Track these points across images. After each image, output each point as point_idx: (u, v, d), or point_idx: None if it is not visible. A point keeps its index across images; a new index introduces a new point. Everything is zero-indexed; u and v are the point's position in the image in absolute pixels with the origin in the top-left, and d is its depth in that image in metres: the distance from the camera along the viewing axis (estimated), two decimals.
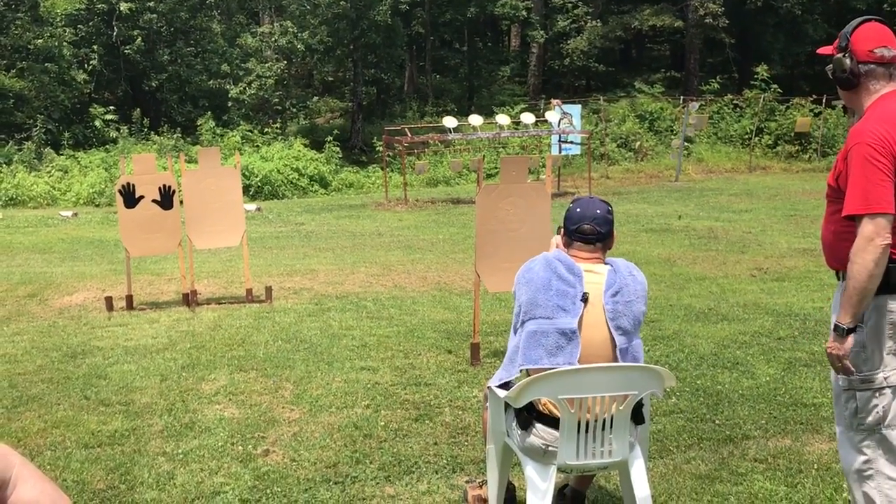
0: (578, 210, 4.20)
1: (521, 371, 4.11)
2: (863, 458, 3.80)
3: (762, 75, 32.62)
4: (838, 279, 3.88)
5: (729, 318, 9.15)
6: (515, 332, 4.16)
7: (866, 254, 3.54)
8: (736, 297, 10.20)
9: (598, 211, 4.19)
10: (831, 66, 3.86)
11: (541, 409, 4.00)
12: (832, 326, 3.68)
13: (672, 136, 31.47)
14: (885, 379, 3.72)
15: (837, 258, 3.80)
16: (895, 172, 3.58)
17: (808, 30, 39.38)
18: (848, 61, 3.76)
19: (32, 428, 6.26)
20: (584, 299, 3.96)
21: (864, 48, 3.76)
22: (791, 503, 4.82)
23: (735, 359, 7.62)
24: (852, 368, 3.70)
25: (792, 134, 30.87)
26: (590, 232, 4.13)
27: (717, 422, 6.11)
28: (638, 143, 31.86)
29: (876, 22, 3.83)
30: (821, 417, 6.17)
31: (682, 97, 33.33)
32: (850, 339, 3.63)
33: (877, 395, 3.73)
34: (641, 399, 4.00)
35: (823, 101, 30.18)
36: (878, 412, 3.74)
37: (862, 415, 3.76)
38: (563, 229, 4.24)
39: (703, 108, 31.08)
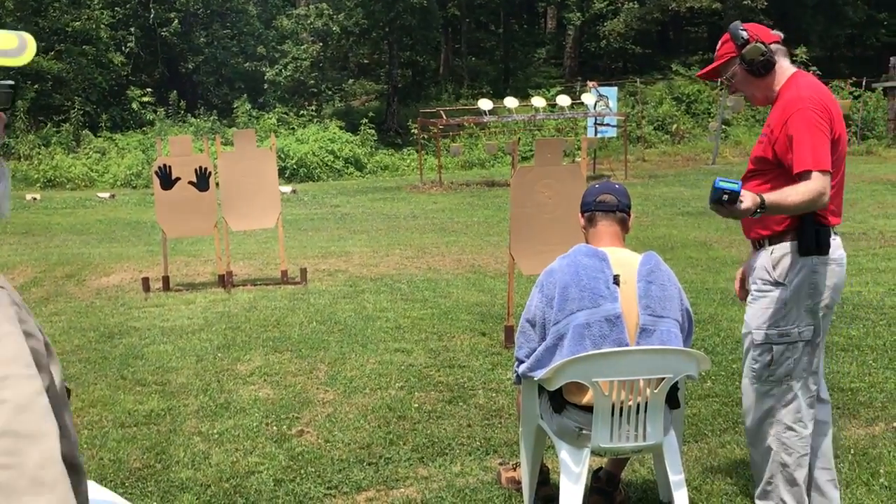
0: (597, 186, 4.27)
1: None
2: (765, 407, 4.08)
3: (801, 57, 32.19)
4: (757, 248, 4.15)
5: None
6: (532, 332, 4.11)
7: (812, 204, 3.75)
8: None
9: (617, 186, 4.28)
10: (737, 63, 4.05)
11: (568, 397, 3.98)
12: (759, 202, 3.66)
13: (709, 119, 31.25)
14: (800, 334, 4.01)
15: (764, 225, 4.03)
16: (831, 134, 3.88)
17: (848, 11, 38.89)
18: (762, 45, 3.97)
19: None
20: (616, 281, 3.93)
21: (765, 35, 4.04)
22: None
23: None
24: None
25: None
26: (611, 201, 4.14)
27: None
28: (674, 125, 31.65)
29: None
30: (857, 402, 6.11)
31: (719, 79, 33.03)
32: (744, 208, 3.63)
33: (790, 348, 4.02)
34: (677, 383, 3.98)
35: (863, 83, 29.81)
36: (789, 364, 4.03)
37: (774, 366, 4.04)
38: (582, 213, 4.23)
39: None
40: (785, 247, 3.98)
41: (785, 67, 4.04)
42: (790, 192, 3.76)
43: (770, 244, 4.04)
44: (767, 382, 4.04)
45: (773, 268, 4.00)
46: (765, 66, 3.99)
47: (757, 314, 4.06)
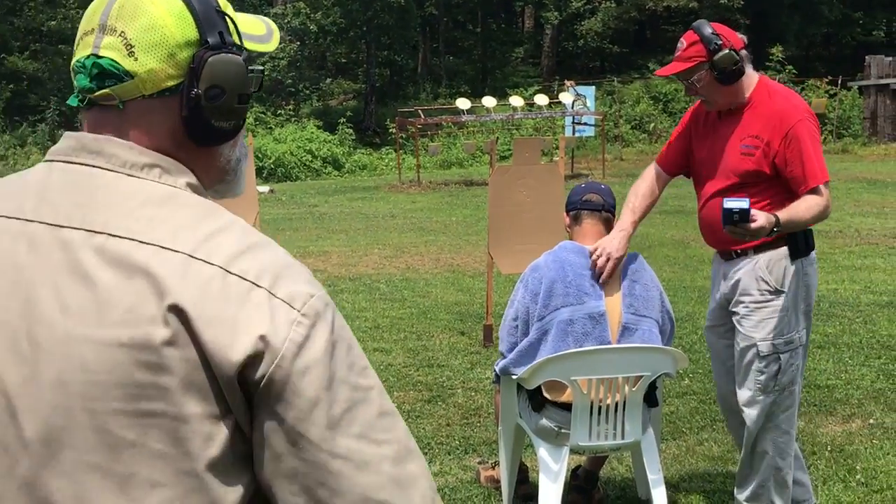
0: (583, 186, 4.31)
1: None
2: (768, 415, 4.04)
3: (777, 56, 32.26)
4: (733, 258, 4.07)
5: None
6: (516, 328, 4.11)
7: (822, 216, 3.89)
8: None
9: (603, 186, 4.32)
10: (706, 68, 3.93)
11: (546, 396, 3.99)
12: (773, 220, 3.67)
13: None
14: (800, 338, 4.06)
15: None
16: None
17: (824, 10, 39.04)
18: (735, 53, 3.91)
19: None
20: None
21: (735, 39, 4.00)
22: None
23: None
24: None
25: None
26: (597, 200, 4.15)
27: None
28: (652, 124, 31.73)
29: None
30: (834, 399, 6.15)
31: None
32: (758, 226, 3.64)
33: (794, 354, 4.04)
34: (655, 382, 3.99)
35: (839, 82, 29.96)
36: (793, 370, 4.04)
37: (781, 375, 4.00)
38: (567, 212, 4.24)
39: None
40: (777, 253, 3.96)
41: (750, 73, 4.05)
42: (802, 207, 3.78)
43: (756, 253, 3.99)
44: (773, 392, 4.01)
45: (768, 276, 3.97)
46: (735, 75, 3.93)
47: (759, 325, 3.99)
